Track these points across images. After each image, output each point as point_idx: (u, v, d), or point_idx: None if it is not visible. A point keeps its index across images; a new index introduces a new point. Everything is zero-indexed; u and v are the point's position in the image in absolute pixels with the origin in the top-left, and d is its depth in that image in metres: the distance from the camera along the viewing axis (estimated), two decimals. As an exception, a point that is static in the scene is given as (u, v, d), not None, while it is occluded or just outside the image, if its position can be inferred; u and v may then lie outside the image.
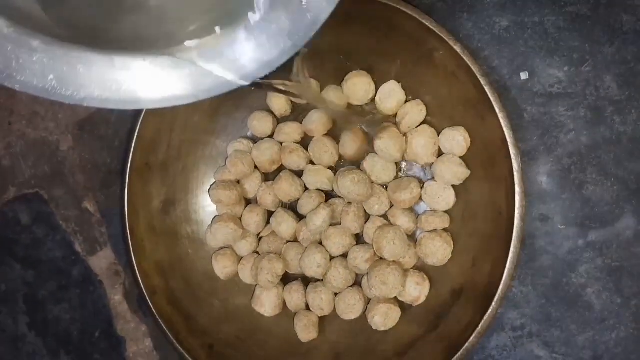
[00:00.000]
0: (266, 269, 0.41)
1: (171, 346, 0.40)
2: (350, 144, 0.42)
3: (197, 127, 0.43)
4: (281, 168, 0.43)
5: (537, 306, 0.41)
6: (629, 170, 0.40)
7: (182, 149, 0.43)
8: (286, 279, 0.43)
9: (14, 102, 0.46)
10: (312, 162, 0.43)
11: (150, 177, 0.42)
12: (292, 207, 0.44)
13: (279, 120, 0.44)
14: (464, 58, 0.36)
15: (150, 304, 0.40)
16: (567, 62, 0.41)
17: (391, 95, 0.41)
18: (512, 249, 0.35)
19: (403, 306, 0.41)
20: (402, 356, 0.39)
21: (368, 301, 0.41)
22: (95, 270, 0.46)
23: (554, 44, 0.41)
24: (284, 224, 0.42)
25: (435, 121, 0.41)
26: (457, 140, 0.40)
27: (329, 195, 0.43)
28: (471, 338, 0.35)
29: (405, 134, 0.41)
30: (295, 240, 0.43)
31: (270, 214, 0.43)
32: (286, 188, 0.42)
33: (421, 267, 0.41)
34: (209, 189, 0.44)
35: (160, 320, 0.40)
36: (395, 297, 0.41)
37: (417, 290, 0.40)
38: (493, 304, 0.35)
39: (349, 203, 0.41)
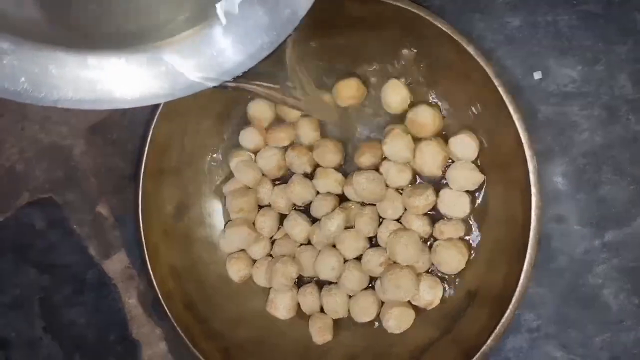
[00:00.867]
0: (280, 272, 0.41)
1: (186, 350, 0.40)
2: (367, 156, 0.41)
3: (209, 132, 0.44)
4: (285, 172, 0.44)
5: (553, 307, 0.40)
6: (645, 170, 0.40)
7: (194, 153, 0.44)
8: (300, 282, 0.43)
9: (26, 107, 0.46)
10: (317, 165, 0.43)
11: (163, 181, 0.42)
12: (304, 210, 0.43)
13: (266, 128, 0.44)
14: (477, 59, 0.36)
15: (165, 307, 0.40)
16: (580, 61, 0.40)
17: (394, 92, 0.41)
18: (529, 251, 0.35)
19: (417, 309, 0.41)
20: (417, 359, 0.39)
21: (382, 304, 0.41)
22: (110, 274, 0.46)
23: (567, 43, 0.40)
24: (297, 227, 0.42)
25: (448, 124, 0.41)
26: (467, 144, 0.39)
27: (341, 199, 0.43)
28: (488, 341, 0.35)
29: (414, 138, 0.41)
30: (308, 242, 0.43)
31: (282, 217, 0.43)
32: (299, 191, 0.42)
33: (435, 270, 0.41)
34: (225, 202, 0.44)
35: (175, 324, 0.40)
36: (409, 301, 0.40)
37: (430, 294, 0.40)
38: (510, 306, 0.35)
39: (363, 205, 0.41)
